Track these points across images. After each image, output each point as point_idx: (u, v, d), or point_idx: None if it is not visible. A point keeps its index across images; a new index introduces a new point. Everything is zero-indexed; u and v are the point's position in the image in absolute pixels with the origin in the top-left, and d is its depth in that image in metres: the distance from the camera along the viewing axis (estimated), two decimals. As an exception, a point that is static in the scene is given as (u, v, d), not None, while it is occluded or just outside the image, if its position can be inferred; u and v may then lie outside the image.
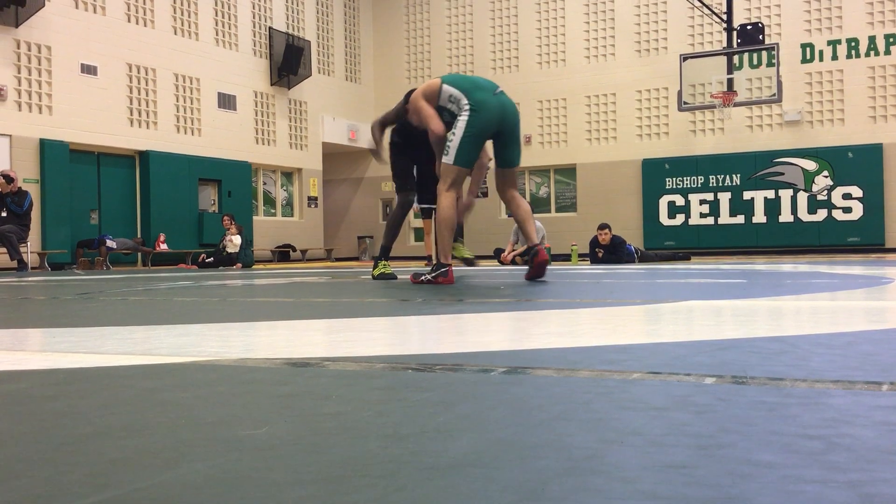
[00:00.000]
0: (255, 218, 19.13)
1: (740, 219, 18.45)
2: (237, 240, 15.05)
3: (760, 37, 16.19)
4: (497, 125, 5.61)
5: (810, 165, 17.89)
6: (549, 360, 1.74)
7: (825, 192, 17.80)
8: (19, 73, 14.21)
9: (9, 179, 12.08)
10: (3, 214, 12.10)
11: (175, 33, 17.16)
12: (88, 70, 15.33)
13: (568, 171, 20.35)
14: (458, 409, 1.22)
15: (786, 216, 18.08)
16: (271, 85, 19.36)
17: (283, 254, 19.70)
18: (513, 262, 12.55)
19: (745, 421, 1.10)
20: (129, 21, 16.17)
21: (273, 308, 3.76)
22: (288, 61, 19.30)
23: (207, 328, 2.70)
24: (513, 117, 5.65)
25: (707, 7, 17.14)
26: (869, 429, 1.05)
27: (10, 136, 14.07)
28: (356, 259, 22.01)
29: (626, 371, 1.54)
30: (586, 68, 19.87)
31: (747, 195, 18.37)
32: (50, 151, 14.59)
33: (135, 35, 16.23)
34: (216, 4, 18.13)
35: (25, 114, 14.28)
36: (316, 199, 21.12)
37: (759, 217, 18.30)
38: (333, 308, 3.61)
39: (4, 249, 12.11)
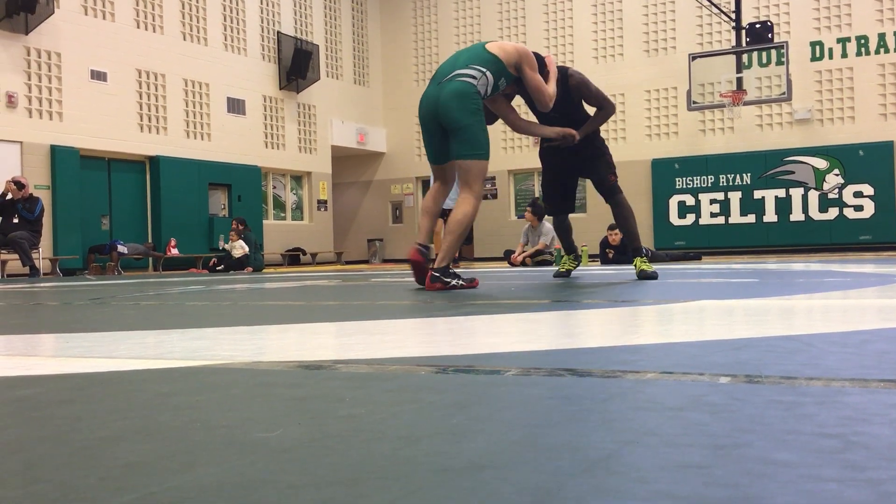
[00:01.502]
0: (265, 222, 19.17)
1: (751, 218, 18.38)
2: (242, 243, 15.09)
3: (769, 35, 16.12)
4: (433, 119, 5.18)
5: (821, 164, 17.81)
6: (562, 361, 1.74)
7: (836, 190, 17.72)
8: (29, 79, 14.28)
9: (20, 186, 12.14)
10: (15, 221, 12.16)
11: (184, 39, 17.21)
12: (98, 76, 15.39)
13: (577, 172, 20.30)
14: (471, 411, 1.21)
15: (797, 215, 18.01)
16: (280, 89, 19.40)
17: (293, 257, 19.73)
18: (523, 264, 12.54)
19: (761, 420, 1.09)
20: (138, 27, 16.22)
21: (285, 311, 3.76)
22: (297, 65, 19.34)
23: (219, 332, 2.70)
24: (444, 106, 5.08)
25: (715, 6, 17.09)
26: (886, 427, 1.04)
27: (21, 142, 14.13)
28: (366, 262, 22.02)
29: (640, 371, 1.53)
30: (594, 68, 19.83)
31: (758, 194, 18.30)
32: (61, 158, 14.65)
33: (144, 41, 16.29)
34: (224, 10, 18.18)
35: (36, 120, 14.35)
36: (326, 202, 21.14)
37: (770, 216, 18.23)
38: (345, 311, 3.61)
39: (17, 255, 12.16)
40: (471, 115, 5.07)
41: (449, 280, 5.01)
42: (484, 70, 5.13)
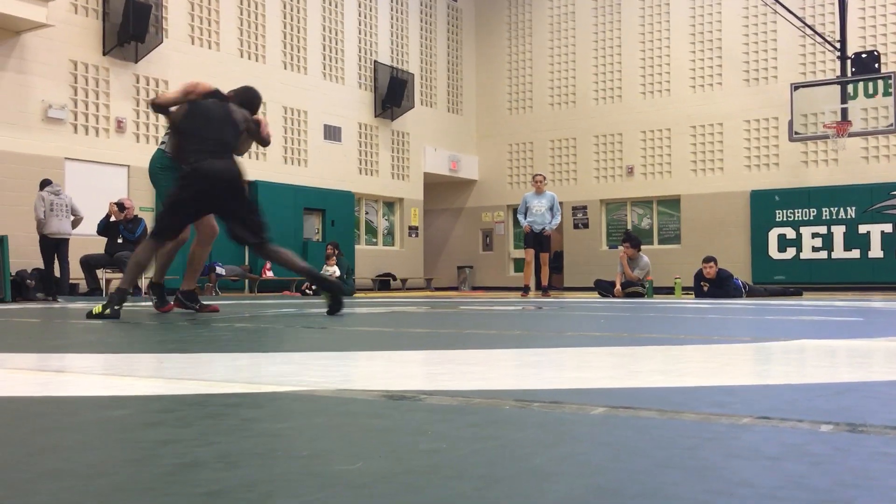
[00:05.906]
0: (356, 247, 19.43)
1: (855, 253, 17.70)
2: (332, 269, 15.32)
3: (876, 65, 15.59)
4: None
5: (930, 198, 17.06)
6: (652, 401, 1.68)
7: (947, 225, 16.92)
8: (138, 106, 14.89)
9: (122, 208, 12.62)
10: (119, 241, 12.65)
11: (285, 68, 17.69)
12: (202, 103, 15.91)
13: (672, 203, 19.97)
14: (555, 451, 1.18)
15: (904, 251, 17.26)
16: (375, 116, 19.72)
17: (383, 282, 19.92)
18: (626, 294, 12.36)
19: (865, 474, 1.03)
20: (241, 56, 16.76)
21: (372, 338, 3.78)
22: (392, 94, 19.63)
23: (308, 357, 2.72)
24: None
25: (819, 35, 16.63)
26: None
27: (129, 166, 14.72)
28: (455, 289, 22.06)
29: (735, 415, 1.47)
30: (691, 98, 19.52)
31: (863, 229, 17.62)
32: (165, 181, 15.18)
33: (247, 69, 16.79)
34: (324, 40, 18.63)
35: (143, 145, 14.92)
36: (417, 228, 21.32)
37: (876, 252, 17.52)
38: (432, 339, 3.61)
39: (121, 274, 12.63)
40: (154, 175, 6.19)
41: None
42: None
